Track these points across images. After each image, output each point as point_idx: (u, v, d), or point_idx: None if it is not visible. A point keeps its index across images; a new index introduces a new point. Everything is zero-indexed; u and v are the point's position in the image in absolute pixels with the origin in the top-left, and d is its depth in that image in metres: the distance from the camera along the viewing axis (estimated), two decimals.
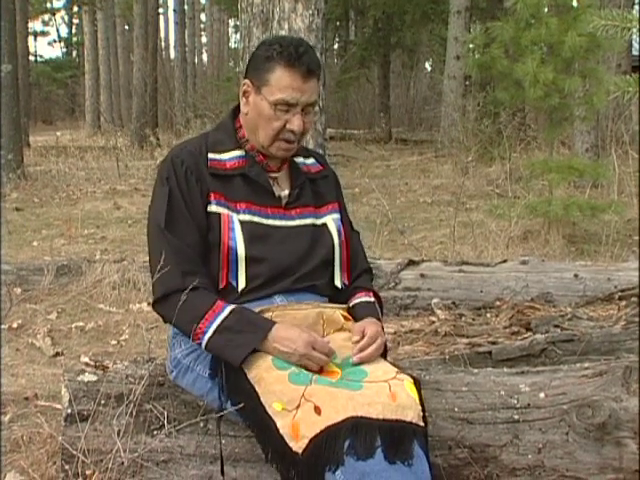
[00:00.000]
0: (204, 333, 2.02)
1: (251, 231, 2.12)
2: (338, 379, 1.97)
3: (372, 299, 2.30)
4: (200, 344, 2.04)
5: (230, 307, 2.04)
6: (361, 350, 2.05)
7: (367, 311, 2.24)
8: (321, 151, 6.60)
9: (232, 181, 2.16)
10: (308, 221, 2.21)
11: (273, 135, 2.14)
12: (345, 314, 2.24)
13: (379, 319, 2.23)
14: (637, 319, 3.35)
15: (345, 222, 2.35)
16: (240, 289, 2.12)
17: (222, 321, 2.02)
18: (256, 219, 2.15)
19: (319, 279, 2.21)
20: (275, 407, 1.91)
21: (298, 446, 1.84)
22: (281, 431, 1.88)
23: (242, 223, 2.12)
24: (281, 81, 2.08)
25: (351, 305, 2.27)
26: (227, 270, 2.12)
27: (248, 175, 2.17)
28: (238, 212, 2.14)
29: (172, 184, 2.13)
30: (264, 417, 1.93)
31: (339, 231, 2.26)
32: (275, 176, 2.23)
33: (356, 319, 2.22)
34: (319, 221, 2.24)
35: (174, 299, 2.03)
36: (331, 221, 2.26)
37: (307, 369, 1.99)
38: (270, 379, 1.95)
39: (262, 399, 1.94)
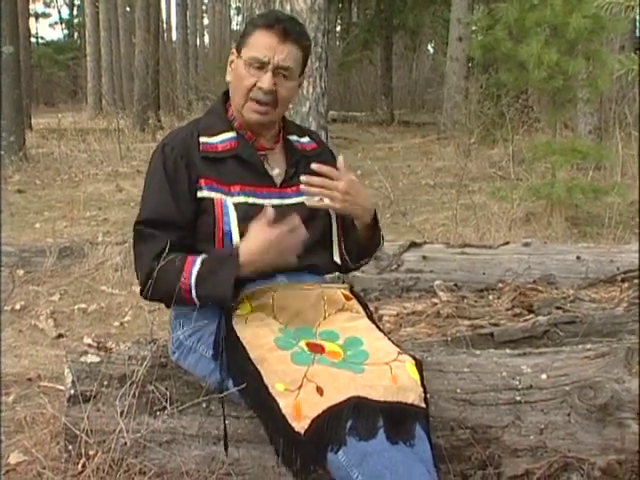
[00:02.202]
0: (190, 291, 2.03)
1: (245, 212, 2.11)
2: (340, 360, 1.97)
3: None
4: (195, 304, 2.06)
5: (201, 257, 2.06)
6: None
7: None
8: (323, 133, 6.60)
9: (224, 163, 2.16)
10: (304, 198, 2.20)
11: (244, 94, 2.14)
12: (347, 293, 2.25)
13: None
14: (639, 301, 3.35)
15: None
16: None
17: (198, 272, 2.03)
18: (250, 200, 2.14)
19: (319, 256, 2.21)
20: (277, 387, 1.91)
21: (300, 426, 1.85)
22: (283, 411, 1.88)
23: (236, 206, 2.12)
24: (257, 40, 2.11)
25: None
26: None
27: (240, 156, 2.16)
28: (232, 195, 2.13)
29: (160, 170, 2.15)
30: (267, 398, 1.93)
31: None
32: (266, 154, 2.22)
33: None
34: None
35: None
36: None
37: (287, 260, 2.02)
38: (272, 359, 1.95)
39: (265, 379, 1.94)
